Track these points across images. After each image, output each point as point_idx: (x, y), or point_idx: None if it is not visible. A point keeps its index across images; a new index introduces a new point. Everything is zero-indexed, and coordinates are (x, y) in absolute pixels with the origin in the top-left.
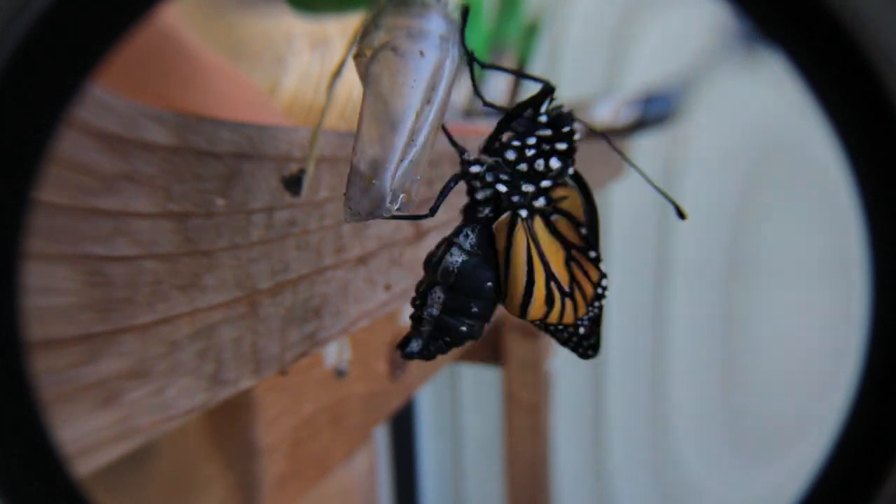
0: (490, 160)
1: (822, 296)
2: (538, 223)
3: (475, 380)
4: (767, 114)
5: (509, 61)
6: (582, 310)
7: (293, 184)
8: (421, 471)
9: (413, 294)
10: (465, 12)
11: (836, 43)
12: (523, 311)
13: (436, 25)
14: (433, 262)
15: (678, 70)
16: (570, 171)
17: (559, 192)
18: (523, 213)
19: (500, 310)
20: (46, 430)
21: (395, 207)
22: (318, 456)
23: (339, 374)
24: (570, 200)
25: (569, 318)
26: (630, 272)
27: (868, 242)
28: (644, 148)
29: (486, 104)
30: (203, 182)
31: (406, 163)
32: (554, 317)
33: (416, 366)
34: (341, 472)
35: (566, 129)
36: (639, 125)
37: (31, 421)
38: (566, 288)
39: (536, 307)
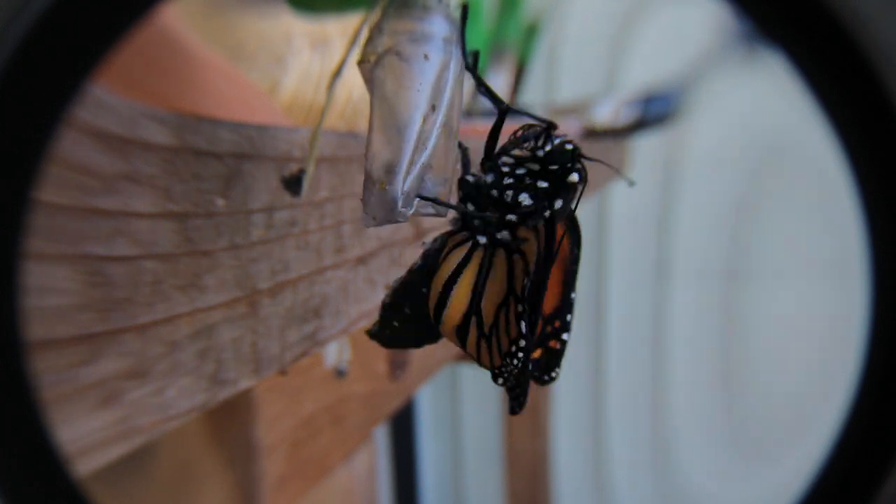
0: (478, 175)
1: (822, 296)
2: (500, 257)
3: (475, 380)
4: (767, 114)
5: (509, 61)
6: (497, 360)
7: (293, 184)
8: (421, 471)
9: None
10: (465, 10)
11: (836, 43)
12: (438, 327)
13: (438, 28)
14: None
15: (678, 70)
16: (546, 213)
17: (522, 233)
18: (481, 239)
19: None
20: (46, 430)
21: (410, 211)
22: (318, 456)
23: (339, 374)
24: (529, 244)
25: (485, 361)
26: (630, 272)
27: (868, 242)
28: (644, 148)
29: (506, 105)
30: (203, 182)
31: (417, 167)
32: (471, 351)
33: (416, 366)
34: (341, 472)
35: (553, 168)
36: (639, 125)
37: (31, 421)
38: (486, 330)
39: (447, 333)
